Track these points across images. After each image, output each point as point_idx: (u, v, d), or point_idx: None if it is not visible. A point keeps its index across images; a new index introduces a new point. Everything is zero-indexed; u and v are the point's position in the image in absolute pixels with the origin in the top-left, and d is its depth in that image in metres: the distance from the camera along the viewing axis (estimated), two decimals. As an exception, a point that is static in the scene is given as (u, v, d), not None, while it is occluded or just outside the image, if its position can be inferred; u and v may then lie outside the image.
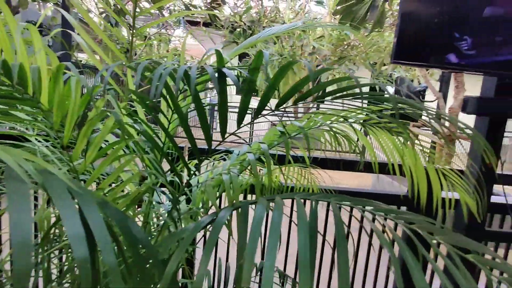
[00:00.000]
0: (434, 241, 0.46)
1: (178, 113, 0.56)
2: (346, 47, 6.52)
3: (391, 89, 10.72)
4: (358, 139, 0.85)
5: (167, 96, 0.57)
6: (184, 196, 0.85)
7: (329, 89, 0.57)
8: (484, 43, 0.94)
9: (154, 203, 0.77)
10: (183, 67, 0.49)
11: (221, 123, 0.58)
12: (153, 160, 0.64)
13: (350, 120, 0.72)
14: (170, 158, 0.66)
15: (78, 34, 0.69)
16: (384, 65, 7.79)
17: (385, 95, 0.55)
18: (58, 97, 0.53)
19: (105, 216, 0.45)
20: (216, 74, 0.51)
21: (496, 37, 0.94)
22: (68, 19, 0.68)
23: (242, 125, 0.60)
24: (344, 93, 0.59)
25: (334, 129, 0.76)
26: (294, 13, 7.77)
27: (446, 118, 0.61)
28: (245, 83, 0.55)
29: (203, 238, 1.23)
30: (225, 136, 0.60)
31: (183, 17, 7.36)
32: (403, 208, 1.40)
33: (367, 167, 1.17)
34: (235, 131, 0.60)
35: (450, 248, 0.45)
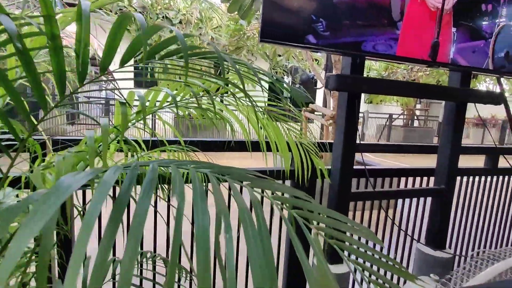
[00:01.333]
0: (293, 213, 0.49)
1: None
2: (242, 36, 6.69)
3: (287, 79, 11.52)
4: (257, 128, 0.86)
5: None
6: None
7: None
8: (335, 26, 1.06)
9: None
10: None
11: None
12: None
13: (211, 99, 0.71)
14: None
15: None
16: (280, 55, 8.29)
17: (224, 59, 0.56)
18: None
19: None
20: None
21: (344, 21, 1.07)
22: None
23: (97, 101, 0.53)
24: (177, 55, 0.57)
25: (204, 106, 0.75)
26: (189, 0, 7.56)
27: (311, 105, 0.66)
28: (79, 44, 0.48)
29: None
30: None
31: (60, -1, 6.39)
32: (288, 183, 1.51)
33: (242, 147, 1.21)
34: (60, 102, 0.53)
35: (298, 218, 0.49)
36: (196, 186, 0.33)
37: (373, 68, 10.84)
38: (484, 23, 1.32)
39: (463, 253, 1.94)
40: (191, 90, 0.53)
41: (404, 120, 12.06)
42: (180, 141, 0.85)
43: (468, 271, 1.04)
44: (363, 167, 1.47)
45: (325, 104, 7.72)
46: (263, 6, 0.96)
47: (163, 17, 6.77)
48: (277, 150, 0.94)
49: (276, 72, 9.32)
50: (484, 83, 9.71)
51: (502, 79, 1.52)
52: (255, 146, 1.09)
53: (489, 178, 1.93)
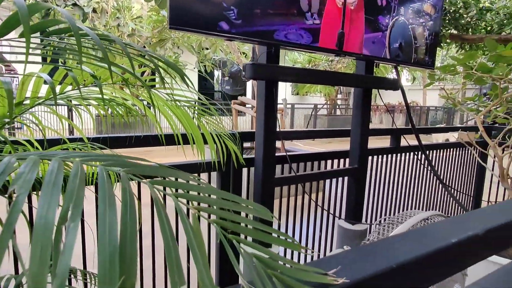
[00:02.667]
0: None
1: None
2: (166, 28, 6.39)
3: (216, 72, 11.43)
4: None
5: None
6: None
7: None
8: (247, 14, 1.06)
9: None
10: None
11: None
12: None
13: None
14: None
15: None
16: (207, 49, 8.15)
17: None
18: None
19: None
20: None
21: (255, 9, 1.08)
22: None
23: None
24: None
25: (108, 97, 0.68)
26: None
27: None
28: None
29: None
30: None
31: None
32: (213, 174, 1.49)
33: (155, 141, 1.16)
34: None
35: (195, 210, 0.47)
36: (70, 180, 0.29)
37: (298, 61, 11.41)
38: (380, 16, 1.47)
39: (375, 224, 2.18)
40: (72, 76, 0.47)
41: (328, 110, 13.00)
42: (83, 137, 0.77)
43: (374, 238, 1.17)
44: (289, 153, 1.54)
45: (254, 96, 7.87)
46: (170, -9, 0.92)
47: (73, 4, 6.08)
48: (206, 143, 0.92)
49: (205, 66, 9.17)
50: (392, 74, 10.98)
51: (404, 69, 1.73)
52: (172, 140, 1.05)
53: (394, 156, 2.19)
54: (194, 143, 0.86)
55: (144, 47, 8.28)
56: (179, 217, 0.30)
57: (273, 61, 1.28)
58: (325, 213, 1.92)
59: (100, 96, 0.69)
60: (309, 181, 1.57)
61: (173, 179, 0.76)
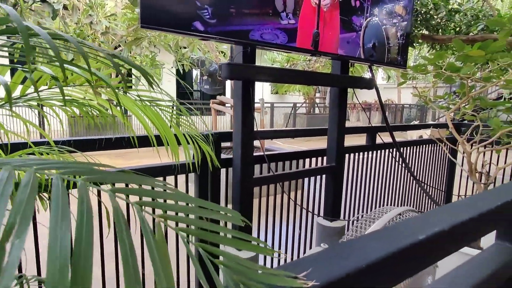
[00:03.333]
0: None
1: None
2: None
3: (195, 71, 11.29)
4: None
5: None
6: None
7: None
8: (221, 13, 1.05)
9: None
10: None
11: None
12: None
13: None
14: None
15: None
16: (185, 47, 8.03)
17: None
18: None
19: None
20: None
21: (230, 9, 1.07)
22: None
23: None
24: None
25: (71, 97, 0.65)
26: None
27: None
28: None
29: None
30: None
31: None
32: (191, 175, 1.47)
33: (129, 143, 1.13)
34: None
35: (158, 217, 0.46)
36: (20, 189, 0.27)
37: (276, 60, 11.46)
38: (354, 17, 1.49)
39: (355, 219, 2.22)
40: (30, 78, 0.44)
41: (307, 108, 13.16)
42: (49, 141, 0.73)
43: (351, 236, 1.19)
44: (268, 152, 1.53)
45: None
46: (141, -11, 0.89)
47: (41, 0, 5.81)
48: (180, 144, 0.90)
49: (183, 65, 9.03)
50: (368, 73, 11.25)
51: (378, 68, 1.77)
52: (147, 142, 1.02)
53: (371, 153, 2.24)
54: (168, 144, 0.84)
55: (119, 45, 8.06)
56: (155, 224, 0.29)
57: (249, 60, 1.27)
58: (304, 211, 1.93)
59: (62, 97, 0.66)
60: (287, 180, 1.58)
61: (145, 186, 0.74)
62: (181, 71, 9.17)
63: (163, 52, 7.99)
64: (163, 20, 0.94)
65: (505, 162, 2.06)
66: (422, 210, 2.78)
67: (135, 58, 8.05)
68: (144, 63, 8.39)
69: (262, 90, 13.29)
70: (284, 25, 1.24)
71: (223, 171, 1.53)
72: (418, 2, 6.21)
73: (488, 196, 0.55)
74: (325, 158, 1.88)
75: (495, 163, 2.58)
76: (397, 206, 2.51)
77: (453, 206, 0.52)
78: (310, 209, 1.97)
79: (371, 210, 2.32)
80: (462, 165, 2.17)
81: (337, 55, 1.46)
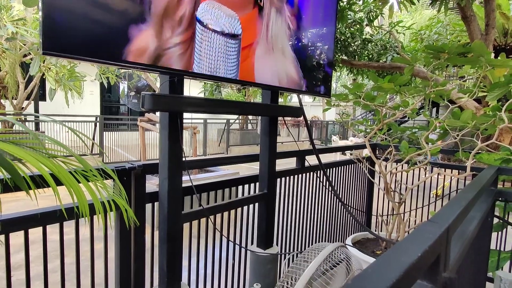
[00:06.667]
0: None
1: None
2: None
3: (122, 85, 10.60)
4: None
5: None
6: None
7: None
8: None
9: None
10: None
11: None
12: None
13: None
14: None
15: None
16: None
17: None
18: None
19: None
20: None
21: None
22: None
23: None
24: None
25: None
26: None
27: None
28: None
29: None
30: None
31: None
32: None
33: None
34: None
35: None
36: None
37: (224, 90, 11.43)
38: (284, 47, 1.53)
39: (287, 244, 2.25)
40: None
41: (240, 124, 13.32)
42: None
43: (285, 283, 1.18)
44: (202, 178, 1.45)
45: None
46: (43, 15, 0.77)
47: None
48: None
49: (108, 78, 8.38)
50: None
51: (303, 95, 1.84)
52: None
53: (301, 176, 2.31)
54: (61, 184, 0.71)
55: (29, 53, 7.14)
56: None
57: (177, 91, 1.20)
58: (238, 239, 1.88)
59: None
60: (219, 212, 1.51)
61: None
62: (106, 84, 8.49)
63: (82, 62, 7.32)
64: (70, 47, 0.82)
65: (419, 179, 2.31)
66: (350, 232, 2.95)
67: (49, 68, 7.21)
68: (61, 75, 7.55)
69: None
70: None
71: (148, 206, 1.40)
72: (338, 30, 6.85)
73: (409, 247, 0.57)
74: (257, 184, 1.86)
75: (411, 181, 2.90)
76: (327, 230, 2.62)
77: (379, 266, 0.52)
78: (245, 232, 1.92)
79: (303, 233, 2.38)
80: (379, 185, 2.38)
81: (266, 85, 1.47)
